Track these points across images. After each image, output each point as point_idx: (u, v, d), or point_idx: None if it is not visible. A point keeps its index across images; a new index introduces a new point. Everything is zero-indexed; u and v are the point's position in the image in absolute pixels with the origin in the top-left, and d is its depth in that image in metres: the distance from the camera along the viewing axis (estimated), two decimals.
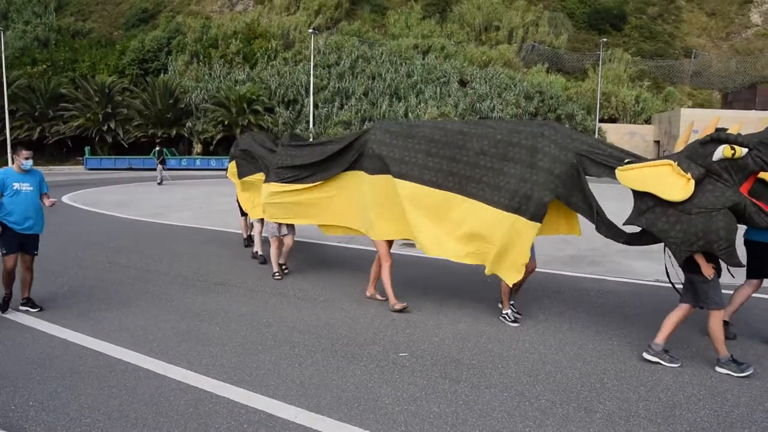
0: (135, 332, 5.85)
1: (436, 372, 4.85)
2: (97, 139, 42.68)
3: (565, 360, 5.15)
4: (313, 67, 42.70)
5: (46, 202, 6.73)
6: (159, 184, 26.04)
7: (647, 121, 48.82)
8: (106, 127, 42.29)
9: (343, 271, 8.79)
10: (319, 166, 7.47)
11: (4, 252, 6.41)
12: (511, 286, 6.06)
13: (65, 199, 20.48)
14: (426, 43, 52.07)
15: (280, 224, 8.28)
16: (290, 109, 42.81)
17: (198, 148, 42.40)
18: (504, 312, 6.31)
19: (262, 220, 9.35)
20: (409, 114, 42.24)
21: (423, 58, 49.31)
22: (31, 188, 6.50)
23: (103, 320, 6.26)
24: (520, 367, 4.96)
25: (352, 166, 7.16)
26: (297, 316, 6.43)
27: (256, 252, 9.74)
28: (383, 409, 4.18)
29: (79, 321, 6.19)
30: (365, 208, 7.00)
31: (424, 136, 6.43)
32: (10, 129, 41.98)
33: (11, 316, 6.37)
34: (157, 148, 29.25)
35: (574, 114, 45.42)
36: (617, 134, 45.18)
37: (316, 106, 41.88)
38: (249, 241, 10.90)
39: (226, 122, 40.91)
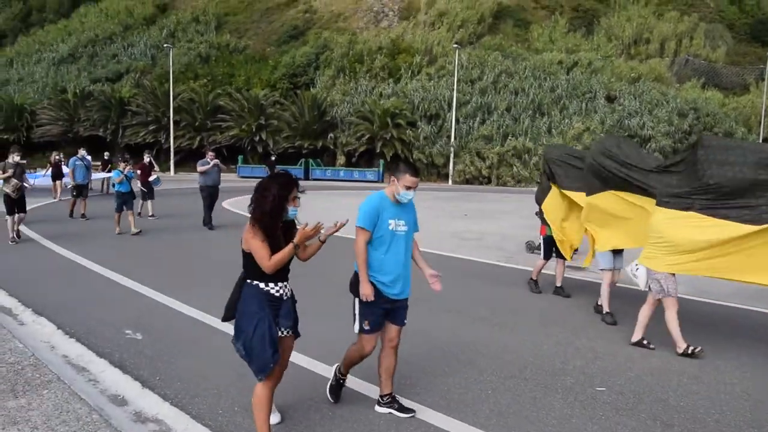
0: (319, 342, 5.97)
1: (643, 412, 4.57)
2: (249, 148, 45.24)
3: None
4: (456, 82, 42.79)
5: (426, 271, 4.55)
6: None
7: None
8: (257, 137, 44.74)
9: (500, 288, 8.61)
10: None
11: (367, 328, 4.36)
12: None
13: (225, 204, 21.82)
14: (571, 58, 50.65)
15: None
16: (432, 123, 43.13)
17: (341, 159, 43.75)
18: None
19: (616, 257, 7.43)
20: (553, 130, 41.21)
21: (568, 73, 47.98)
22: (406, 229, 4.43)
23: None
24: (738, 416, 4.56)
25: None
26: (476, 338, 6.35)
27: (604, 310, 7.26)
28: None
29: None
30: None
31: None
32: (174, 138, 45.57)
33: (203, 318, 6.76)
34: (273, 158, 30.52)
35: (732, 132, 42.32)
36: None
37: (457, 121, 41.92)
38: (561, 290, 8.66)
39: (368, 135, 41.91)
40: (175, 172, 44.20)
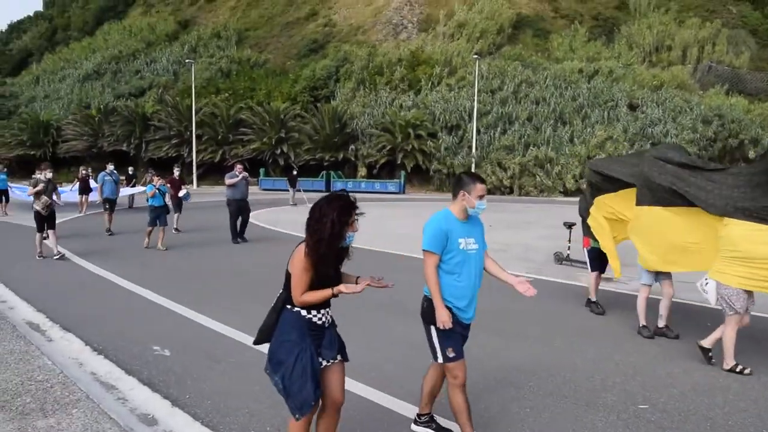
0: (351, 359, 5.86)
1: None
2: (270, 161, 45.48)
3: None
4: (477, 92, 42.68)
5: (514, 281, 4.09)
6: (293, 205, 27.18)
7: None
8: (279, 150, 44.95)
9: (531, 301, 8.43)
10: None
11: (452, 356, 3.96)
12: None
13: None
14: (592, 66, 50.33)
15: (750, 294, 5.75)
16: (453, 134, 43.03)
17: (362, 171, 43.77)
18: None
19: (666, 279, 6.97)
20: (575, 139, 40.89)
21: (589, 82, 47.66)
22: (476, 247, 4.09)
23: None
24: None
25: None
26: (511, 354, 6.21)
27: (641, 323, 6.99)
28: None
29: None
30: None
31: None
32: (196, 152, 45.98)
33: (232, 334, 6.69)
34: (295, 172, 30.01)
35: (758, 138, 41.65)
36: None
37: (478, 132, 41.75)
38: (598, 306, 8.13)
39: (389, 147, 41.90)
40: (198, 186, 44.54)
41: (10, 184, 22.98)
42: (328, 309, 3.60)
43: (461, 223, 4.02)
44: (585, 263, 11.52)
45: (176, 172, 17.34)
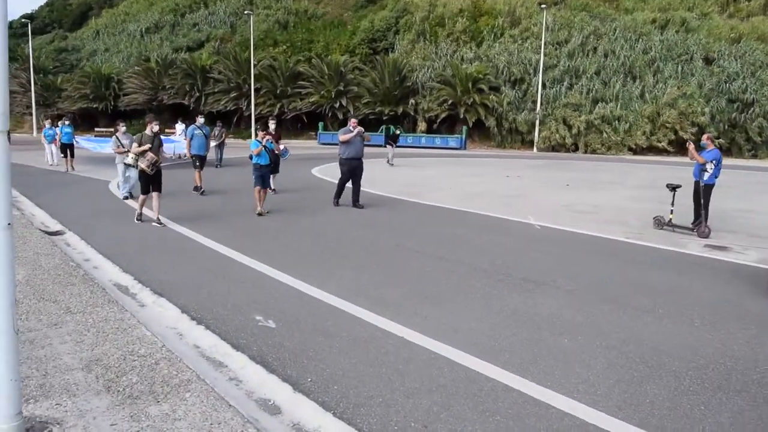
0: (474, 337, 5.30)
1: None
2: (329, 115, 44.91)
3: None
4: (543, 44, 40.87)
5: None
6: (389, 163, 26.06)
7: None
8: (337, 104, 44.30)
9: (648, 272, 7.67)
10: None
11: None
12: None
13: (314, 171, 21.47)
14: (664, 16, 47.55)
15: None
16: (516, 88, 41.50)
17: (422, 126, 42.80)
18: None
19: None
20: (646, 94, 38.89)
21: (661, 34, 45.08)
22: None
23: (428, 317, 5.82)
24: None
25: None
26: (650, 334, 5.49)
27: None
28: None
29: (402, 314, 5.83)
30: None
31: None
32: (255, 105, 45.73)
33: (337, 303, 6.19)
34: (398, 131, 28.77)
35: None
36: None
37: (543, 86, 40.11)
38: None
39: (450, 101, 40.75)
40: None
41: (76, 137, 22.96)
42: None
43: None
44: (690, 229, 10.70)
45: (272, 125, 15.27)
